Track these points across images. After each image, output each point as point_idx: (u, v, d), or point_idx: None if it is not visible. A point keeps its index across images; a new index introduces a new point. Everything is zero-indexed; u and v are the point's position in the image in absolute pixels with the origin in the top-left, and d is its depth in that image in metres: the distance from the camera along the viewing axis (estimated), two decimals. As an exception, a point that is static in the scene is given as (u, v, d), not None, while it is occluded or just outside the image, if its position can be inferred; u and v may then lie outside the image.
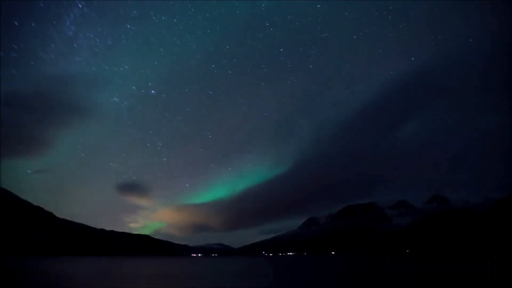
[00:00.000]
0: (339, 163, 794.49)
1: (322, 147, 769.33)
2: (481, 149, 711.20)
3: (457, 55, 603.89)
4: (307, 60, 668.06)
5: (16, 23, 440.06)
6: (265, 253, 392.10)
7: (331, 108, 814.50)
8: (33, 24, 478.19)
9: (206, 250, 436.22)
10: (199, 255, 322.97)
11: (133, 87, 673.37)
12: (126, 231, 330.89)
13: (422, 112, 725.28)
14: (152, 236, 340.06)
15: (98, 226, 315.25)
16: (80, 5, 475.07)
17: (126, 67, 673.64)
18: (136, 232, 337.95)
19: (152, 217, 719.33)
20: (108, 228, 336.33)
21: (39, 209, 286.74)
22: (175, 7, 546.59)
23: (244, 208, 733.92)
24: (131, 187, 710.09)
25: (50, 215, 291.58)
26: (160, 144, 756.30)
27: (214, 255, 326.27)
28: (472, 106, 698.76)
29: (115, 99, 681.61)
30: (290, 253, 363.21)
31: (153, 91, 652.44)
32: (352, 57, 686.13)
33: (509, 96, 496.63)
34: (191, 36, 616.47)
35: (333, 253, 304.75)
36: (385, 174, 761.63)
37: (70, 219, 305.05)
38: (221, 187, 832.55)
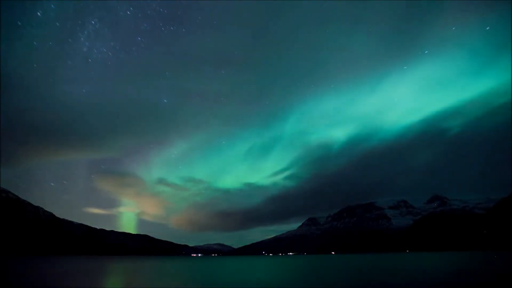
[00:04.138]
0: (339, 164, 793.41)
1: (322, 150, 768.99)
2: (482, 150, 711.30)
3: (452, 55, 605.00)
4: (315, 62, 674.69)
5: (35, 43, 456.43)
6: (265, 253, 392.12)
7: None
8: (50, 43, 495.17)
9: (206, 250, 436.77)
10: (199, 255, 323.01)
11: (146, 97, 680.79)
12: (126, 231, 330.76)
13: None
14: (151, 236, 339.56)
15: (98, 227, 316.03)
16: (93, 22, 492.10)
17: (139, 78, 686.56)
18: (134, 232, 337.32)
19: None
20: (108, 228, 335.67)
21: (39, 209, 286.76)
22: (183, 17, 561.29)
23: (245, 209, 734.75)
24: (148, 195, 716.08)
25: (50, 215, 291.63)
26: (175, 152, 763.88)
27: (214, 255, 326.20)
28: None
29: (130, 110, 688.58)
30: (290, 253, 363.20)
31: (165, 100, 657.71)
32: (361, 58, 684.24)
33: (507, 94, 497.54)
34: (200, 44, 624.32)
35: (333, 253, 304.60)
36: (386, 175, 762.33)
37: (70, 219, 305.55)
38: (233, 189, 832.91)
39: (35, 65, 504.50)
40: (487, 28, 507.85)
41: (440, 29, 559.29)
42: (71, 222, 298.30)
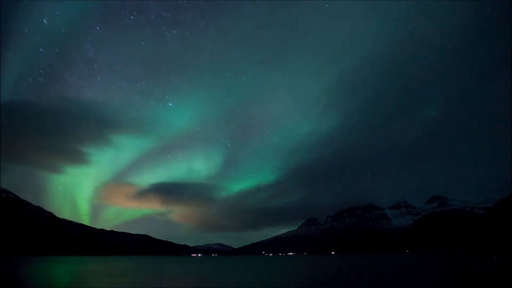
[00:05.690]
0: (339, 164, 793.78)
1: (322, 149, 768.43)
2: (481, 150, 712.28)
3: (453, 56, 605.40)
4: (320, 63, 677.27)
5: (41, 49, 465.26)
6: (265, 253, 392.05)
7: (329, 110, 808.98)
8: (56, 50, 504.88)
9: (206, 250, 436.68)
10: (199, 255, 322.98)
11: (152, 101, 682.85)
12: (126, 231, 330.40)
13: (423, 112, 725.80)
14: (151, 236, 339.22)
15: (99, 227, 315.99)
16: (97, 28, 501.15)
17: (144, 82, 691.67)
18: (134, 232, 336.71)
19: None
20: (108, 230, 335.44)
21: (39, 209, 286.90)
22: (186, 21, 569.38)
23: (246, 209, 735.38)
24: (151, 198, 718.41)
25: (50, 215, 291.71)
26: (180, 154, 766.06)
27: (214, 255, 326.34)
28: (470, 107, 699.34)
29: (135, 114, 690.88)
30: (290, 253, 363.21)
31: (170, 104, 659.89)
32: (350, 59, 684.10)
33: (507, 95, 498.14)
34: (203, 47, 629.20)
35: (333, 253, 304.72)
36: (385, 175, 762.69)
37: (70, 219, 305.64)
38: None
39: (42, 72, 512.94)
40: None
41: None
42: (71, 222, 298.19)
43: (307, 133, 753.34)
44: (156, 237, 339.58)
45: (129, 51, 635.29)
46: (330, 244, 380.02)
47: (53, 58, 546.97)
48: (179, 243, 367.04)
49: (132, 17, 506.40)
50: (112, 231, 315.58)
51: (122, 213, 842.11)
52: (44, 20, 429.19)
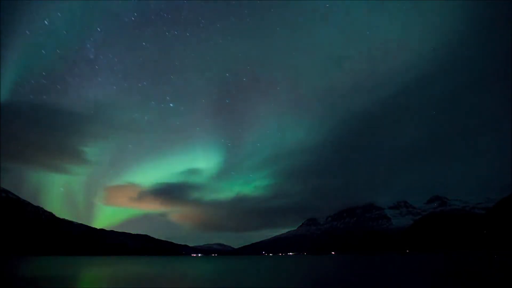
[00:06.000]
0: (339, 164, 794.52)
1: (322, 148, 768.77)
2: (481, 150, 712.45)
3: (452, 56, 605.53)
4: (319, 63, 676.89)
5: (43, 51, 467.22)
6: (265, 253, 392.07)
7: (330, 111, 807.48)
8: (57, 51, 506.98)
9: (206, 250, 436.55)
10: (199, 255, 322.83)
11: (152, 102, 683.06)
12: (126, 231, 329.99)
13: (422, 112, 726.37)
14: (152, 236, 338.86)
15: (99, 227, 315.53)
16: (98, 29, 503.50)
17: (145, 83, 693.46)
18: (134, 232, 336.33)
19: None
20: (108, 230, 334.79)
21: (39, 209, 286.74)
22: (187, 21, 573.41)
23: (246, 209, 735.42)
24: (151, 198, 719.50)
25: (50, 215, 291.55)
26: (180, 154, 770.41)
27: (214, 255, 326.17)
28: (470, 107, 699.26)
29: (136, 114, 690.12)
30: (290, 253, 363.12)
31: (171, 104, 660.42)
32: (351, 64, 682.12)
33: (507, 96, 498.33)
34: (204, 47, 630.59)
35: (333, 253, 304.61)
36: (385, 175, 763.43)
37: (70, 219, 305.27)
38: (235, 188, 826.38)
39: (43, 73, 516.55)
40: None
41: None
42: (71, 222, 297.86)
43: (307, 133, 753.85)
44: (156, 237, 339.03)
45: (129, 52, 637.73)
46: (330, 244, 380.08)
47: (54, 59, 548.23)
48: (179, 243, 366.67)
49: (132, 18, 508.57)
50: (112, 231, 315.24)
51: (122, 213, 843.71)
52: (45, 22, 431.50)
